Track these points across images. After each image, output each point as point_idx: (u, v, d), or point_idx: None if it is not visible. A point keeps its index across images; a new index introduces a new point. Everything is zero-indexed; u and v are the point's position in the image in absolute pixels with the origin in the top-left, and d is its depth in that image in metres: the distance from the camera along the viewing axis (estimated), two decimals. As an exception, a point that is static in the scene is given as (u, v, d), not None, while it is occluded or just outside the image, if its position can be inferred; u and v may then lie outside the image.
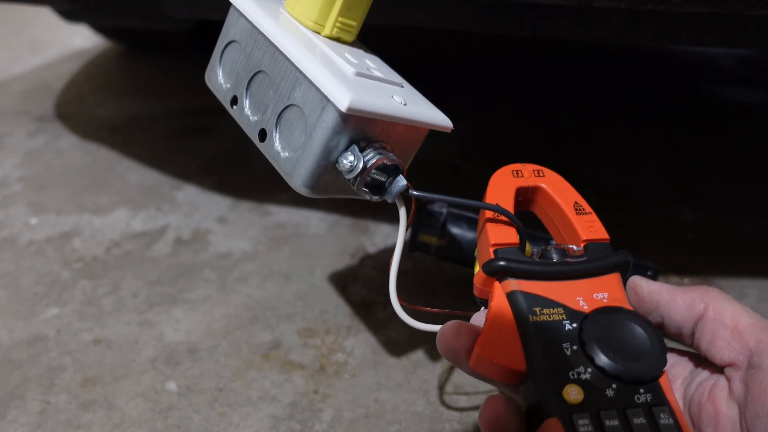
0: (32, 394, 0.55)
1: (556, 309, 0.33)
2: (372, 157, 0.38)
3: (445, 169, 0.94)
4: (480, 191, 0.39)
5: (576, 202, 0.38)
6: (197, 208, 0.83)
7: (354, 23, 0.43)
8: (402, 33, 1.45)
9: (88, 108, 1.12)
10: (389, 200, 0.40)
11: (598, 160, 0.99)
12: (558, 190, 0.39)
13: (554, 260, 0.36)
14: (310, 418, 0.54)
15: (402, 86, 0.43)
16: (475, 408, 0.55)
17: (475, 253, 0.39)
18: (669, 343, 0.34)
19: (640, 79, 1.35)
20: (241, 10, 0.42)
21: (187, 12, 0.75)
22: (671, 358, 0.36)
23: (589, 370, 0.31)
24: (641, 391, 0.31)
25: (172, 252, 0.74)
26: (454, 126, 0.42)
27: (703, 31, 0.59)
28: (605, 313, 0.33)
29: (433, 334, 0.37)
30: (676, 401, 0.31)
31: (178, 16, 0.76)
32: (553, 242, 0.40)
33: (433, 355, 0.60)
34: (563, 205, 0.38)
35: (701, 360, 0.35)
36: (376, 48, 0.47)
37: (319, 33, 0.42)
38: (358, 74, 0.39)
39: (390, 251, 0.41)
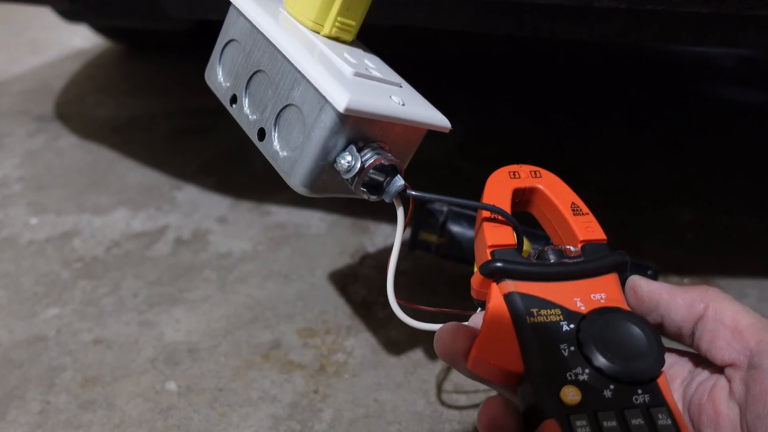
0: (32, 394, 0.55)
1: (553, 310, 0.33)
2: (370, 158, 0.38)
3: (444, 169, 0.94)
4: (480, 191, 0.39)
5: (573, 203, 0.38)
6: (197, 208, 0.83)
7: (353, 23, 0.43)
8: (402, 33, 1.45)
9: (88, 108, 1.12)
10: (387, 200, 0.40)
11: (598, 160, 0.99)
12: (555, 191, 0.39)
13: (551, 261, 0.35)
14: (310, 418, 0.54)
15: (401, 86, 0.43)
16: (475, 407, 0.55)
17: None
18: (668, 343, 0.34)
19: (640, 79, 1.35)
20: (240, 9, 0.42)
21: (187, 12, 0.75)
22: (670, 358, 0.35)
23: (587, 371, 0.31)
24: (639, 391, 0.30)
25: (172, 252, 0.74)
26: (453, 126, 0.42)
27: (703, 31, 0.59)
28: (603, 313, 0.33)
29: (433, 333, 0.37)
30: (674, 402, 0.31)
31: (178, 16, 0.76)
32: (551, 243, 0.40)
33: (433, 355, 0.60)
34: (560, 206, 0.38)
35: (700, 360, 0.34)
36: (376, 48, 0.47)
37: (318, 32, 0.42)
38: (357, 74, 0.39)
39: (390, 251, 0.41)
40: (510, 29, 0.63)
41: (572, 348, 0.32)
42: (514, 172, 0.40)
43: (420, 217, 0.62)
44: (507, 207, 0.37)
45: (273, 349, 0.61)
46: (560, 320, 0.33)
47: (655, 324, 0.35)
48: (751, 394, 0.30)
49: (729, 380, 0.32)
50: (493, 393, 0.49)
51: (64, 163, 0.94)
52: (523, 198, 0.40)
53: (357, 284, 0.69)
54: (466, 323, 0.38)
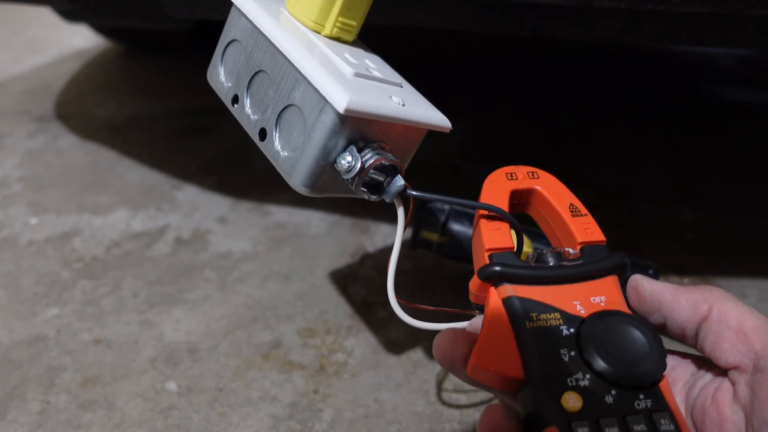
0: (32, 394, 0.55)
1: (552, 314, 0.33)
2: (370, 158, 0.38)
3: (445, 169, 0.94)
4: (480, 191, 0.39)
5: (571, 204, 0.38)
6: (197, 208, 0.83)
7: (354, 23, 0.43)
8: (402, 33, 1.45)
9: (88, 108, 1.12)
10: (387, 200, 0.40)
11: (598, 160, 0.99)
12: (553, 192, 0.38)
13: (550, 264, 0.35)
14: (310, 418, 0.54)
15: (401, 86, 0.43)
16: (475, 406, 0.55)
17: None
18: (669, 344, 0.33)
19: (640, 79, 1.35)
20: (241, 9, 0.42)
21: (187, 12, 0.75)
22: (671, 360, 0.35)
23: (588, 376, 0.30)
24: (641, 396, 0.30)
25: (172, 252, 0.74)
26: (453, 126, 0.42)
27: (703, 31, 0.59)
28: (603, 317, 0.33)
29: (434, 333, 0.37)
30: (677, 406, 0.31)
31: (178, 16, 0.76)
32: (550, 245, 0.39)
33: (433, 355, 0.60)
34: (558, 208, 0.38)
35: (702, 362, 0.34)
36: (376, 48, 0.47)
37: (319, 33, 0.42)
38: (357, 75, 0.39)
39: (390, 251, 0.41)
40: (510, 29, 0.63)
41: (572, 353, 0.31)
42: (511, 174, 0.39)
43: (421, 216, 0.62)
44: (505, 209, 0.37)
45: (273, 349, 0.61)
46: (560, 324, 0.32)
47: (657, 324, 0.34)
48: (757, 398, 0.29)
49: (733, 383, 0.31)
50: (493, 398, 0.49)
51: (64, 163, 0.94)
52: (520, 200, 0.39)
53: (357, 284, 0.69)
54: (465, 328, 0.37)
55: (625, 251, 0.36)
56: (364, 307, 0.66)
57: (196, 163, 0.94)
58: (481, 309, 0.36)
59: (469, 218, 0.62)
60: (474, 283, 0.35)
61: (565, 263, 0.35)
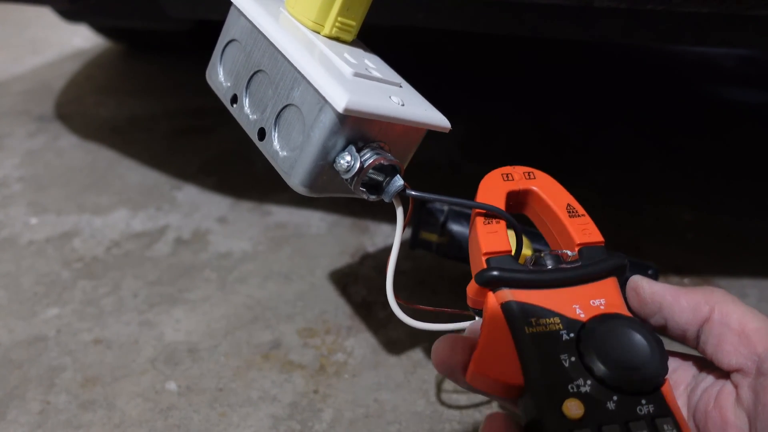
0: (32, 394, 0.55)
1: (552, 318, 0.32)
2: (369, 158, 0.38)
3: (445, 169, 0.94)
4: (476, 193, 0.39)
5: (569, 204, 0.37)
6: (197, 208, 0.83)
7: (353, 23, 0.43)
8: (402, 33, 1.45)
9: (88, 108, 1.12)
10: (386, 200, 0.40)
11: (598, 160, 0.99)
12: (550, 193, 0.38)
13: (548, 267, 0.34)
14: (310, 418, 0.54)
15: (401, 86, 0.43)
16: (475, 407, 0.55)
17: None
18: (670, 346, 0.33)
19: (640, 79, 1.35)
20: (241, 9, 0.42)
21: (187, 12, 0.75)
22: (672, 362, 0.35)
23: (589, 382, 0.30)
24: (643, 402, 0.30)
25: (172, 252, 0.74)
26: (453, 126, 0.42)
27: (703, 31, 0.59)
28: (603, 320, 0.32)
29: (433, 333, 0.37)
30: (679, 411, 0.30)
31: (178, 16, 0.76)
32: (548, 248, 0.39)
33: (433, 355, 0.60)
34: (556, 209, 0.37)
35: (704, 364, 0.34)
36: (376, 48, 0.47)
37: (318, 32, 0.42)
38: (356, 74, 0.39)
39: (390, 251, 0.41)
40: (510, 29, 0.63)
41: (573, 358, 0.31)
42: (507, 174, 0.39)
43: (420, 217, 0.62)
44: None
45: (273, 349, 0.61)
46: (560, 329, 0.32)
47: (658, 326, 0.34)
48: (761, 401, 0.29)
49: (736, 386, 0.31)
50: (494, 404, 0.48)
51: (64, 163, 0.94)
52: (517, 200, 0.39)
53: (357, 284, 0.69)
54: (463, 333, 0.37)
55: (625, 251, 0.36)
56: (364, 307, 0.66)
57: (196, 163, 0.94)
58: (479, 313, 0.36)
59: (468, 219, 0.62)
60: (471, 288, 0.35)
61: (564, 266, 0.34)
